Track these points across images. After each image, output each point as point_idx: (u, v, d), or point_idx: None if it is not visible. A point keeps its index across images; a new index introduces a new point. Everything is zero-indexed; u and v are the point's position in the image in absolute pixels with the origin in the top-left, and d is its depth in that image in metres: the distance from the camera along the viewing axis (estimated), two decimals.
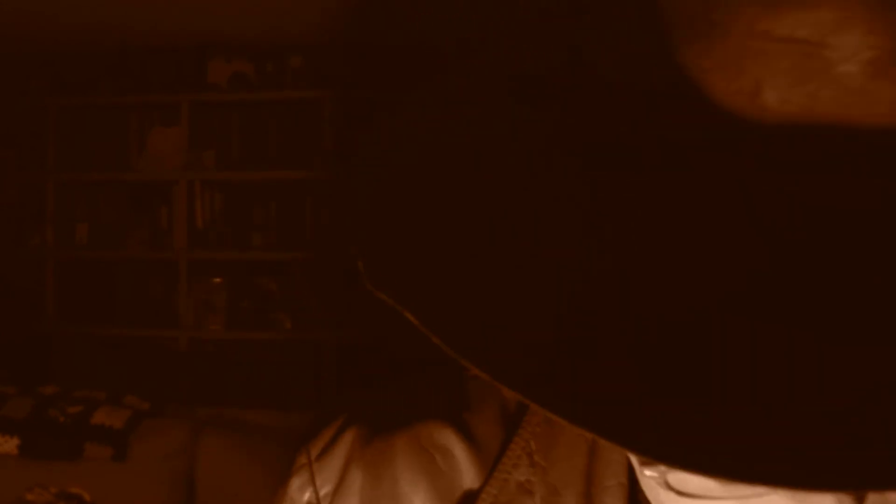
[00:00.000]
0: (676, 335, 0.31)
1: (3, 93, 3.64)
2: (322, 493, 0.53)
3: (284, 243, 3.60)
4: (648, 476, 0.38)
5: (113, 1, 2.97)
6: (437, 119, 0.41)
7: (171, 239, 3.66)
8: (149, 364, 3.53)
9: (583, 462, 0.48)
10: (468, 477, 0.50)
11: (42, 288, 3.71)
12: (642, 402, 0.30)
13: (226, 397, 3.29)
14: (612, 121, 0.36)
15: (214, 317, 3.62)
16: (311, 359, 3.51)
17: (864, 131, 0.31)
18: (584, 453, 0.49)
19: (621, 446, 0.30)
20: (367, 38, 3.24)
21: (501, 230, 0.35)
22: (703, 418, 0.29)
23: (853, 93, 0.31)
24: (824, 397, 0.29)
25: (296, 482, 0.54)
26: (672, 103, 0.34)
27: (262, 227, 3.66)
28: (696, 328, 0.31)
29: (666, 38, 0.34)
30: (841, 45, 0.31)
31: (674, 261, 0.32)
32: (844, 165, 0.33)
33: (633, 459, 0.38)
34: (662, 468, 0.38)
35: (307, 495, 0.53)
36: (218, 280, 3.63)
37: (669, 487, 0.38)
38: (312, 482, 0.53)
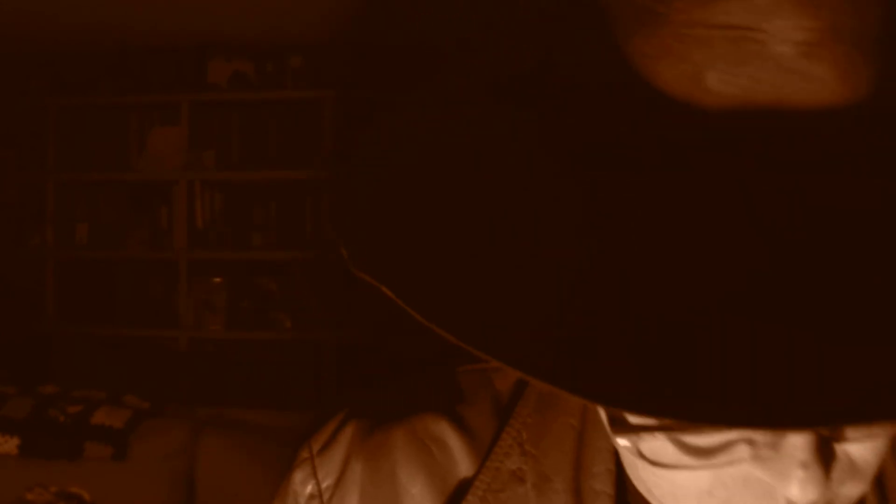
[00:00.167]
0: (676, 335, 0.31)
1: (3, 93, 3.64)
2: (324, 485, 0.55)
3: (284, 243, 3.60)
4: (622, 445, 0.39)
5: (113, 1, 2.97)
6: (436, 119, 0.41)
7: (171, 239, 3.65)
8: (149, 364, 3.52)
9: (572, 450, 0.50)
10: (463, 466, 0.52)
11: (42, 288, 3.70)
12: (641, 400, 0.30)
13: (226, 397, 3.29)
14: (612, 121, 0.36)
15: (214, 317, 3.62)
16: (311, 359, 3.51)
17: (800, 109, 0.33)
18: (573, 441, 0.51)
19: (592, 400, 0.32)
20: (367, 38, 3.24)
21: (501, 229, 0.35)
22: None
23: (788, 72, 0.33)
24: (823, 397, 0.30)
25: (298, 475, 0.56)
26: (635, 96, 0.35)
27: (262, 227, 3.66)
28: (697, 328, 0.31)
29: (617, 32, 0.36)
30: (774, 28, 0.33)
31: (674, 260, 0.32)
32: (844, 165, 0.33)
33: (608, 428, 0.39)
34: (634, 436, 0.38)
35: (309, 488, 0.55)
36: (218, 280, 3.63)
37: (643, 457, 0.39)
38: (315, 475, 0.55)
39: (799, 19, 0.33)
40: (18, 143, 3.72)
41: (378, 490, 0.53)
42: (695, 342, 0.31)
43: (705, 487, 0.40)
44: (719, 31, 0.33)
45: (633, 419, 0.39)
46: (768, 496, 0.38)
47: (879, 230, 0.32)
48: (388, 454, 0.54)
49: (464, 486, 0.52)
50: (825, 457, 0.36)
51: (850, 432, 0.38)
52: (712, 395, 0.29)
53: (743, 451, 0.38)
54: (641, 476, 0.44)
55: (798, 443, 0.36)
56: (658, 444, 0.39)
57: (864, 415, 0.29)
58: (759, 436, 0.38)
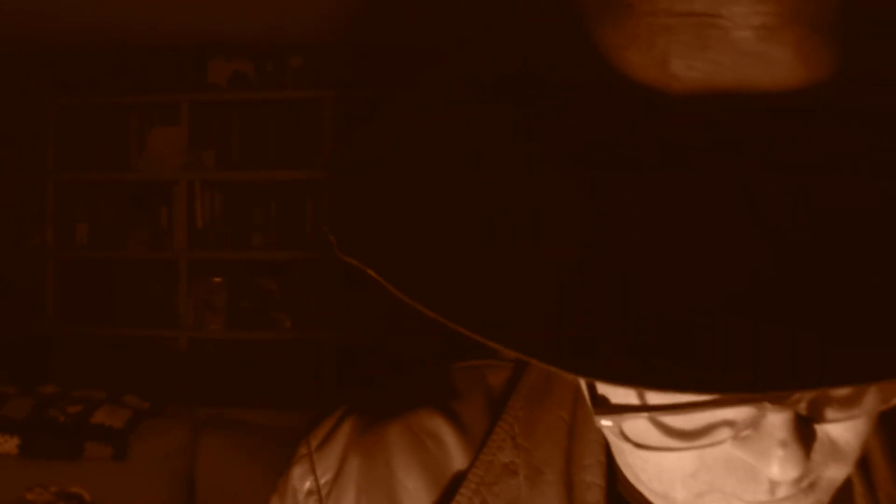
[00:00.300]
0: (677, 335, 0.31)
1: (3, 93, 3.64)
2: (322, 481, 0.56)
3: (284, 243, 3.60)
4: (605, 426, 0.40)
5: (113, 1, 2.97)
6: (434, 118, 0.41)
7: (171, 239, 3.65)
8: (149, 364, 3.52)
9: (563, 442, 0.51)
10: (457, 460, 0.54)
11: (42, 288, 3.70)
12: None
13: (226, 397, 3.29)
14: (612, 121, 0.36)
15: (214, 317, 3.62)
16: (311, 359, 3.51)
17: (761, 90, 0.34)
18: (564, 434, 0.52)
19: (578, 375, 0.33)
20: (367, 38, 3.24)
21: (501, 230, 0.35)
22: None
23: (748, 56, 0.34)
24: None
25: (297, 471, 0.57)
26: (608, 88, 0.36)
27: (262, 227, 3.66)
28: (698, 328, 0.31)
29: (588, 25, 0.37)
30: (733, 14, 0.34)
31: (675, 261, 0.32)
32: (845, 166, 0.34)
33: (591, 410, 0.40)
34: (617, 417, 0.39)
35: (308, 483, 0.56)
36: (218, 280, 3.63)
37: (627, 439, 0.40)
38: (313, 471, 0.56)
39: (756, 4, 0.34)
40: (18, 143, 3.72)
41: (375, 484, 0.54)
42: (695, 341, 0.31)
43: (689, 470, 0.41)
44: (682, 19, 0.35)
45: (615, 398, 0.40)
46: (751, 477, 0.39)
47: (881, 231, 0.32)
48: (384, 449, 0.55)
49: (458, 479, 0.53)
50: (804, 436, 0.37)
51: (829, 412, 0.39)
52: (711, 366, 0.30)
53: (724, 432, 0.39)
54: (629, 462, 0.45)
55: (777, 422, 0.37)
56: (641, 426, 0.40)
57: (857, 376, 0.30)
58: (739, 416, 0.38)
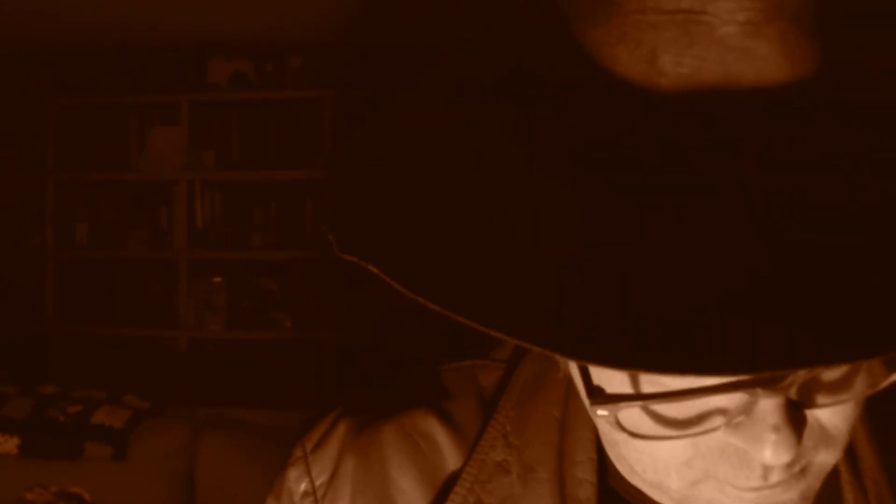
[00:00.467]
0: (677, 335, 0.31)
1: (3, 93, 3.64)
2: (318, 482, 0.57)
3: (284, 243, 3.60)
4: (601, 416, 0.40)
5: (113, 1, 2.97)
6: (434, 118, 0.41)
7: (171, 239, 3.65)
8: (149, 364, 3.52)
9: (555, 440, 0.52)
10: (451, 459, 0.54)
11: (42, 288, 3.70)
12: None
13: (226, 397, 3.29)
14: (604, 118, 0.36)
15: (214, 317, 3.62)
16: (311, 359, 3.51)
17: (746, 85, 0.35)
18: (555, 432, 0.52)
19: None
20: (367, 38, 3.24)
21: (501, 226, 0.35)
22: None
23: (733, 51, 0.35)
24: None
25: (293, 473, 0.58)
26: (597, 86, 0.37)
27: (262, 227, 3.65)
28: (696, 328, 0.31)
29: (577, 24, 0.38)
30: (718, 10, 0.35)
31: (673, 260, 0.32)
32: (844, 166, 0.34)
33: (587, 402, 0.40)
34: (613, 406, 0.40)
35: (304, 485, 0.57)
36: (218, 280, 3.63)
37: (623, 429, 0.40)
38: (308, 473, 0.57)
39: (741, 1, 0.35)
40: (18, 143, 3.72)
41: (369, 485, 0.55)
42: (695, 340, 0.31)
43: (684, 459, 0.41)
44: (669, 16, 0.36)
45: (610, 388, 0.41)
46: (744, 463, 0.40)
47: (879, 230, 0.33)
48: (378, 450, 0.55)
49: (452, 479, 0.53)
50: (796, 421, 0.38)
51: (819, 397, 0.40)
52: (710, 349, 0.31)
53: (717, 419, 0.39)
54: (623, 454, 0.45)
55: (768, 407, 0.37)
56: (635, 416, 0.41)
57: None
58: (732, 403, 0.39)
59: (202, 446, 2.49)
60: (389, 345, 3.04)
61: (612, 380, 0.41)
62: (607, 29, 0.37)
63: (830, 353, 0.30)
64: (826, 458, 0.42)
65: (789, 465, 0.40)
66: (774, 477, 0.40)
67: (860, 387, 0.40)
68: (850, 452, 0.50)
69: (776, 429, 0.37)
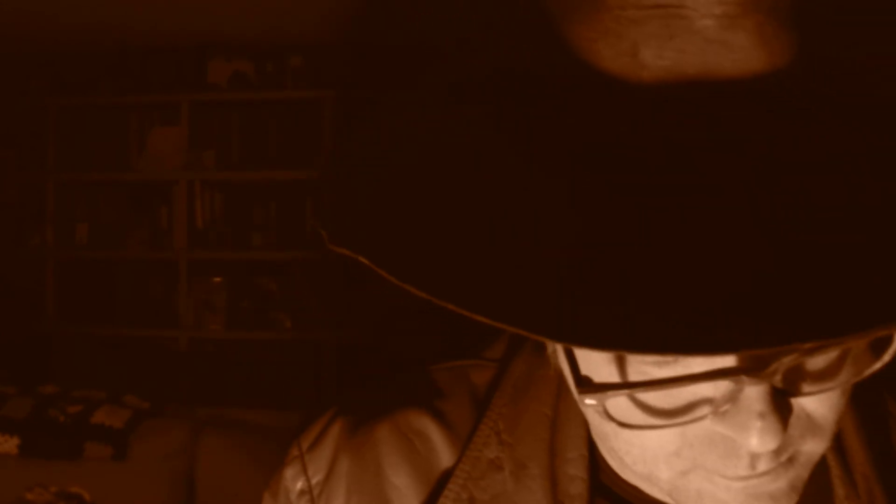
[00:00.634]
0: (678, 335, 0.31)
1: (3, 93, 3.64)
2: (314, 481, 0.57)
3: (284, 243, 3.60)
4: (589, 405, 0.40)
5: (113, 1, 2.97)
6: (432, 118, 0.41)
7: (171, 239, 3.66)
8: (149, 364, 3.53)
9: (546, 437, 0.53)
10: (444, 457, 0.55)
11: (42, 288, 3.71)
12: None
13: (226, 397, 3.29)
14: (612, 120, 0.36)
15: (214, 317, 3.62)
16: (311, 359, 3.51)
17: (724, 76, 0.36)
18: (547, 429, 0.53)
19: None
20: (367, 38, 3.24)
21: (501, 230, 0.35)
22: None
23: (711, 43, 0.36)
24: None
25: (289, 472, 0.58)
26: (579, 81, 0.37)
27: (262, 227, 3.66)
28: (698, 328, 0.31)
29: (560, 22, 0.39)
30: (696, 4, 0.36)
31: (675, 260, 0.32)
32: (845, 166, 0.34)
33: (575, 392, 0.41)
34: (601, 395, 0.40)
35: (300, 484, 0.58)
36: (218, 280, 3.63)
37: (611, 418, 0.40)
38: (305, 472, 0.58)
39: None
40: (18, 143, 3.72)
41: (364, 483, 0.56)
42: (676, 321, 0.31)
43: (672, 449, 0.42)
44: (650, 11, 0.37)
45: (598, 378, 0.41)
46: (732, 452, 0.40)
47: (881, 230, 0.33)
48: (373, 449, 0.56)
49: (445, 476, 0.54)
50: (781, 408, 0.38)
51: (805, 385, 0.40)
52: (712, 324, 0.31)
53: (704, 408, 0.40)
54: (614, 447, 0.46)
55: (754, 395, 0.38)
56: (623, 405, 0.41)
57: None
58: (718, 392, 0.39)
59: (202, 446, 2.50)
60: (389, 345, 3.05)
61: (601, 370, 0.41)
62: (590, 25, 0.38)
63: (805, 333, 0.30)
64: (813, 447, 0.42)
65: (776, 454, 0.41)
66: (762, 465, 0.40)
67: (845, 375, 0.41)
68: (840, 447, 0.51)
69: (762, 416, 0.38)
